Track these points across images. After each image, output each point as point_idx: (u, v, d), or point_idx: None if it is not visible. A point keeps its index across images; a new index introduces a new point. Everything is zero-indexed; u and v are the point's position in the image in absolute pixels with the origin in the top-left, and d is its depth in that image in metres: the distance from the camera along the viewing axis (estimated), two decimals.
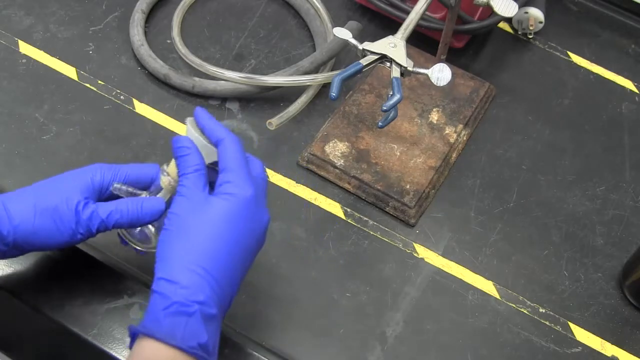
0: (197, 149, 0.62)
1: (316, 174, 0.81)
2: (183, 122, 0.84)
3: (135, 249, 0.66)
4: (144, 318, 0.56)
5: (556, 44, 0.94)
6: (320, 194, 0.80)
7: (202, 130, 0.63)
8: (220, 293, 0.56)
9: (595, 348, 0.72)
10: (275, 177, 0.81)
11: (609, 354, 0.72)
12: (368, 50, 0.73)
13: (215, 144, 0.62)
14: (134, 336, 0.56)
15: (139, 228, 0.65)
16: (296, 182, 0.81)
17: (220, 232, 0.57)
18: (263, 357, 0.68)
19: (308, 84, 0.84)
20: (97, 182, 0.64)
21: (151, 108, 0.85)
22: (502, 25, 0.96)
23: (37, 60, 0.87)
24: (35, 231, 0.61)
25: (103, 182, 0.64)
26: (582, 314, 0.74)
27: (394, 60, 0.73)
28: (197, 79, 0.85)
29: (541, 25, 0.94)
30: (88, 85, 0.86)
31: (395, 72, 0.73)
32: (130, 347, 0.56)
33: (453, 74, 0.74)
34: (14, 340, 0.82)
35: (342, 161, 0.80)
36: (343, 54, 0.90)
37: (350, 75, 0.72)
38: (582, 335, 0.73)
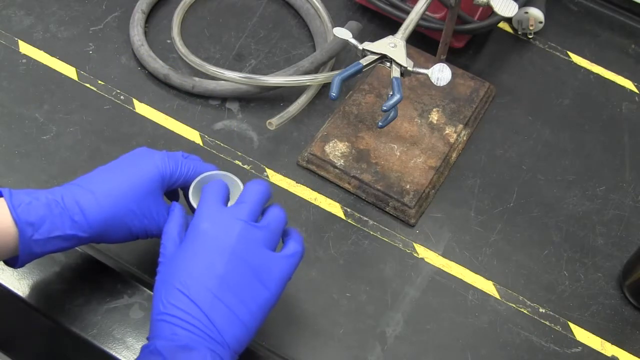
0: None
1: (316, 174, 0.81)
2: (183, 122, 0.84)
3: None
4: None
5: (556, 44, 0.94)
6: (320, 194, 0.80)
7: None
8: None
9: (595, 348, 0.72)
10: (275, 177, 0.81)
11: (609, 354, 0.72)
12: (368, 50, 0.73)
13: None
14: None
15: None
16: (296, 182, 0.81)
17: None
18: (263, 357, 0.68)
19: (308, 84, 0.84)
20: (166, 180, 0.65)
21: (151, 108, 0.85)
22: (502, 25, 0.95)
23: (37, 60, 0.87)
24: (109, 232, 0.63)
25: (171, 179, 0.66)
26: (582, 314, 0.74)
27: (394, 60, 0.73)
28: (197, 79, 0.85)
29: (541, 25, 0.94)
30: (88, 85, 0.86)
31: (395, 72, 0.73)
32: None
33: (453, 74, 0.74)
34: (14, 340, 0.82)
35: (342, 161, 0.80)
36: (343, 54, 0.90)
37: (350, 75, 0.72)
38: (582, 335, 0.73)
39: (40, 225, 0.59)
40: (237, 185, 0.66)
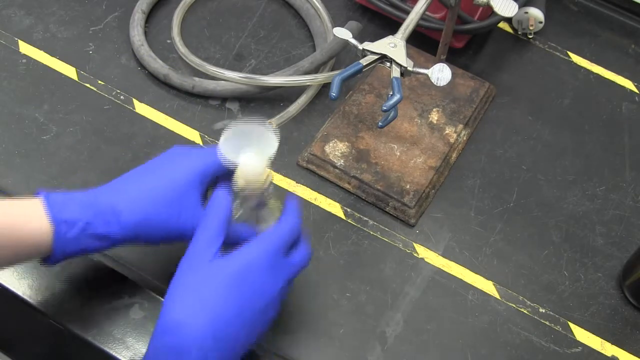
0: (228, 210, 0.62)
1: (316, 174, 0.81)
2: (183, 122, 0.84)
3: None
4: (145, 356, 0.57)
5: (556, 44, 0.94)
6: (320, 194, 0.80)
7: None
8: (223, 347, 0.57)
9: (595, 348, 0.72)
10: (275, 177, 0.81)
11: (609, 354, 0.72)
12: (368, 50, 0.73)
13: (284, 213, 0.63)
14: None
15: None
16: (296, 182, 0.81)
17: (224, 290, 0.57)
18: (263, 357, 0.68)
19: (308, 84, 0.84)
20: (205, 179, 0.64)
21: (151, 108, 0.85)
22: (502, 25, 0.95)
23: (37, 60, 0.87)
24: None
25: (209, 177, 0.64)
26: (582, 314, 0.74)
27: (394, 60, 0.73)
28: (197, 79, 0.85)
29: (541, 25, 0.94)
30: (88, 85, 0.86)
31: (395, 72, 0.73)
32: None
33: (453, 74, 0.74)
34: (14, 340, 0.82)
35: (342, 161, 0.80)
36: (343, 54, 0.90)
37: (350, 75, 0.72)
38: (582, 335, 0.73)
39: (74, 223, 0.60)
40: (269, 138, 0.62)
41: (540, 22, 0.93)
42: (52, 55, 0.88)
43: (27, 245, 0.59)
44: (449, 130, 0.83)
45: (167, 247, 0.73)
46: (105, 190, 0.62)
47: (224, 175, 0.64)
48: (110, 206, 0.61)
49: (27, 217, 0.59)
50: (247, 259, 0.59)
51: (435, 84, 0.72)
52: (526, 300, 0.75)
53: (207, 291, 0.57)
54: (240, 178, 0.61)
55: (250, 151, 0.61)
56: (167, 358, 0.56)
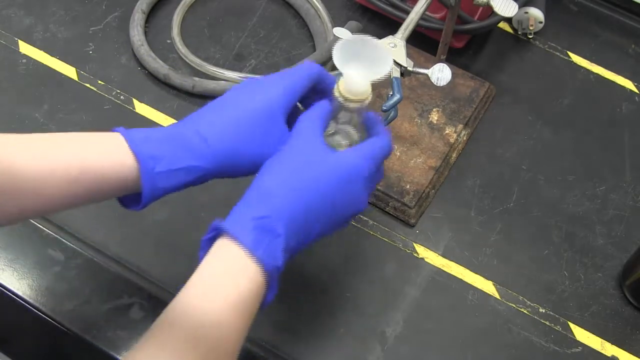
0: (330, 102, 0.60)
1: None
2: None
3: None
4: (229, 219, 0.54)
5: (556, 44, 0.94)
6: None
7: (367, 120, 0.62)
8: (298, 233, 0.55)
9: (595, 348, 0.72)
10: None
11: (609, 354, 0.72)
12: None
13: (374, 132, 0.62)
14: (215, 231, 0.54)
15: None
16: None
17: (326, 181, 0.56)
18: (263, 357, 0.68)
19: None
20: (293, 100, 0.62)
21: (151, 108, 0.85)
22: (502, 25, 0.95)
23: (37, 60, 0.87)
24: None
25: (295, 98, 0.62)
26: (582, 314, 0.74)
27: (394, 60, 0.73)
28: (197, 79, 0.85)
29: (541, 25, 0.94)
30: (88, 85, 0.86)
31: (395, 72, 0.73)
32: (208, 242, 0.54)
33: (453, 74, 0.74)
34: (13, 340, 0.82)
35: None
36: None
37: None
38: (582, 335, 0.73)
39: (161, 157, 0.56)
40: (383, 59, 0.59)
41: (540, 22, 0.93)
42: (52, 55, 0.88)
43: (112, 181, 0.56)
44: (449, 130, 0.83)
45: (167, 247, 0.73)
46: (188, 122, 0.59)
47: (316, 94, 0.63)
48: (197, 135, 0.58)
49: (109, 153, 0.56)
50: (356, 161, 0.58)
51: (435, 84, 0.72)
52: (526, 300, 0.75)
53: (306, 174, 0.56)
54: (342, 89, 0.59)
55: (361, 66, 0.58)
56: (251, 223, 0.53)
